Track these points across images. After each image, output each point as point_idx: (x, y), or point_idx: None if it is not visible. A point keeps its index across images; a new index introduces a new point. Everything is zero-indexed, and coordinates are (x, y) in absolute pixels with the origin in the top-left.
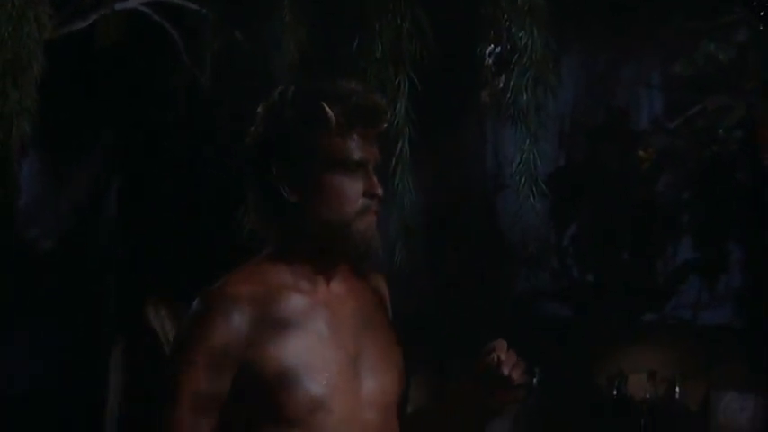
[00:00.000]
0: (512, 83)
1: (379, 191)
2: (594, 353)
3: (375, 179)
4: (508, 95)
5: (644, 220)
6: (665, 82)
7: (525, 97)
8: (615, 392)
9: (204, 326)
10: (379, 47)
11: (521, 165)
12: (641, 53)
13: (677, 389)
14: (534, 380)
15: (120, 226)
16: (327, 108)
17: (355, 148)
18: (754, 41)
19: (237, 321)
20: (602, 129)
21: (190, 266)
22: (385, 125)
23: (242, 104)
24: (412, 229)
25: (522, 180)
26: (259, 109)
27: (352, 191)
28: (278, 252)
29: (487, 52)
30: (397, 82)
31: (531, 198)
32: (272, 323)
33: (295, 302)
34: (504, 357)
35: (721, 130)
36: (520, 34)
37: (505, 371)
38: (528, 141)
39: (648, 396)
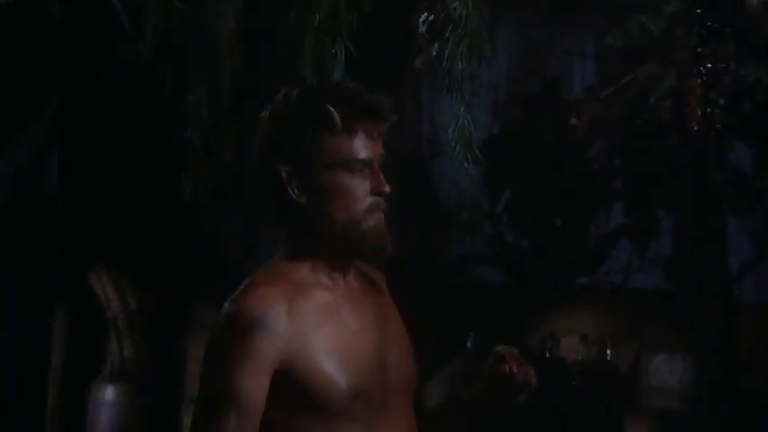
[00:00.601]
0: (447, 52)
1: (387, 188)
2: (527, 316)
3: (381, 176)
4: (444, 64)
5: (576, 187)
6: (597, 52)
7: (460, 66)
8: (548, 354)
9: (244, 332)
10: (317, 17)
11: (456, 131)
12: (575, 24)
13: (608, 351)
14: (468, 343)
15: (62, 193)
16: (332, 110)
17: (361, 148)
18: (684, 12)
19: (273, 323)
20: (536, 97)
21: (132, 234)
22: (389, 122)
23: (184, 74)
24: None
25: (457, 147)
26: (264, 112)
27: (360, 190)
28: (293, 251)
29: (421, 20)
30: (334, 51)
31: (466, 164)
32: (304, 320)
33: (322, 298)
34: (517, 368)
35: (652, 99)
36: (454, 5)
37: (519, 377)
38: (463, 109)
39: (580, 358)
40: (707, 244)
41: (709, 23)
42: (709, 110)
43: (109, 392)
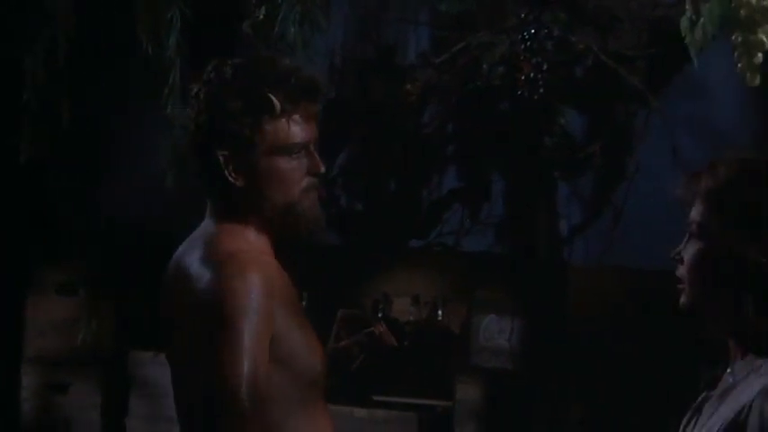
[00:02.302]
0: (279, 17)
1: (322, 168)
2: (360, 278)
3: (317, 157)
4: (275, 29)
5: (410, 151)
6: (431, 19)
7: (293, 31)
8: (380, 315)
9: (256, 295)
10: None
11: None
12: None
13: (440, 312)
14: (303, 303)
15: None
16: (273, 97)
17: (299, 131)
18: None
19: (272, 290)
20: (370, 63)
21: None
22: (322, 101)
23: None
24: (184, 155)
25: None
26: (197, 91)
27: (297, 172)
28: (232, 224)
29: None
30: (169, 16)
31: None
32: (280, 291)
33: (278, 270)
34: (384, 330)
35: (484, 66)
36: None
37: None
38: None
39: (412, 319)
40: (538, 208)
41: None
42: (532, 75)
43: None
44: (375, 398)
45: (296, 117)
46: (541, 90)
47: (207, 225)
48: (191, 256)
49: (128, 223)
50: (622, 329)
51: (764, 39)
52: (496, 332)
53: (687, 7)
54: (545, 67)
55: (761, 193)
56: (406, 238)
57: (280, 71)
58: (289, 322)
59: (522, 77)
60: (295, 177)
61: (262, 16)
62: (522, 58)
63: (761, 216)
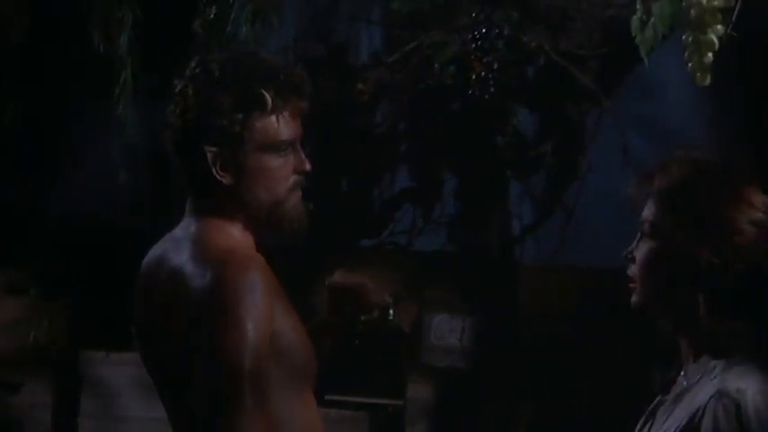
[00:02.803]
0: (231, 16)
1: (308, 166)
2: (312, 277)
3: (303, 155)
4: (228, 28)
5: (362, 150)
6: (383, 18)
7: (245, 30)
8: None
9: (258, 292)
10: None
11: None
12: None
13: (391, 311)
14: None
15: None
16: (265, 92)
17: (287, 128)
18: None
19: (267, 272)
20: (322, 62)
21: None
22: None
23: None
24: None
25: None
26: (183, 87)
27: (285, 170)
28: (217, 221)
29: None
30: (120, 15)
31: None
32: (273, 280)
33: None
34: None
35: (436, 65)
36: None
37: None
38: None
39: (364, 318)
40: (490, 207)
41: None
42: (483, 74)
43: None
44: (327, 397)
45: (285, 114)
46: (492, 89)
47: (189, 224)
48: (179, 255)
49: (79, 222)
50: (573, 328)
51: (714, 39)
52: (448, 331)
53: (638, 7)
54: (496, 66)
55: (714, 194)
56: (358, 237)
57: (268, 67)
58: (285, 317)
59: (474, 77)
60: (282, 175)
61: (213, 15)
62: (473, 57)
63: (713, 217)
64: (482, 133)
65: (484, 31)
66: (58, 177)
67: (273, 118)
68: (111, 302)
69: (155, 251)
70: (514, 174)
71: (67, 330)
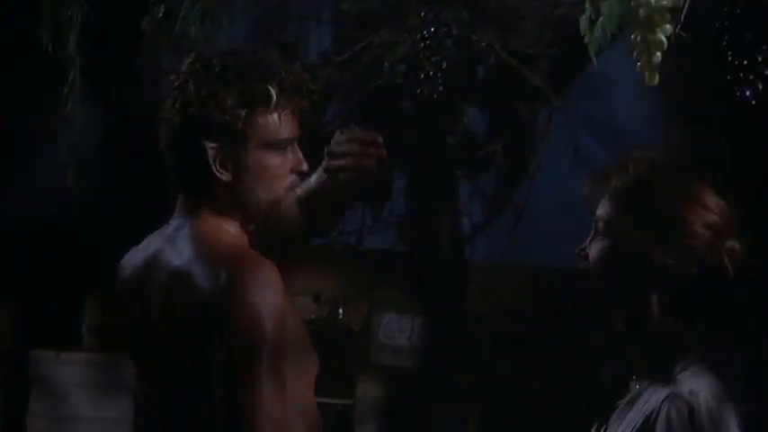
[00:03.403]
0: (180, 15)
1: (305, 166)
2: None
3: (300, 155)
4: (177, 27)
5: (311, 151)
6: (333, 17)
7: (193, 29)
8: None
9: (272, 287)
10: None
11: None
12: None
13: (340, 310)
14: None
15: None
16: (271, 89)
17: (287, 126)
18: None
19: (276, 272)
20: None
21: None
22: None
23: None
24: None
25: None
26: (182, 83)
27: (283, 169)
28: (214, 219)
29: None
30: (69, 14)
31: None
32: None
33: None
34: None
35: (386, 64)
36: None
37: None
38: None
39: (313, 317)
40: (440, 206)
41: None
42: (432, 73)
43: None
44: None
45: (287, 112)
46: (441, 88)
47: (182, 223)
48: (179, 255)
49: (27, 222)
50: (524, 328)
51: (663, 38)
52: (397, 330)
53: (587, 6)
54: (444, 65)
55: (669, 195)
56: (307, 236)
57: (269, 64)
58: (291, 316)
59: (422, 76)
60: (281, 174)
61: (161, 14)
62: (422, 56)
63: (668, 218)
64: (432, 132)
65: (433, 30)
66: (5, 177)
67: (275, 115)
68: (62, 302)
69: (142, 253)
70: (465, 173)
71: (16, 330)
